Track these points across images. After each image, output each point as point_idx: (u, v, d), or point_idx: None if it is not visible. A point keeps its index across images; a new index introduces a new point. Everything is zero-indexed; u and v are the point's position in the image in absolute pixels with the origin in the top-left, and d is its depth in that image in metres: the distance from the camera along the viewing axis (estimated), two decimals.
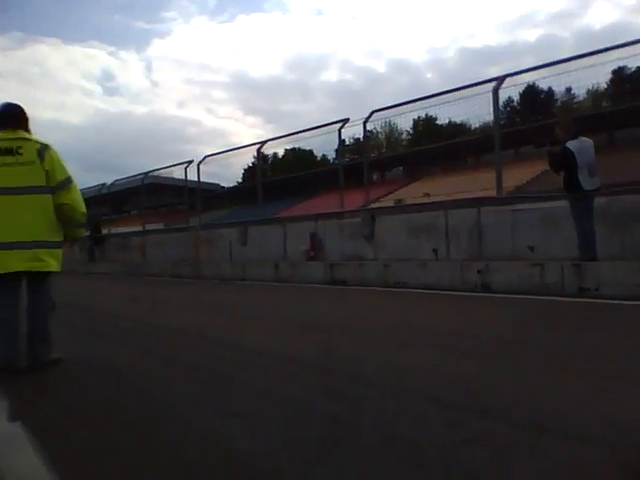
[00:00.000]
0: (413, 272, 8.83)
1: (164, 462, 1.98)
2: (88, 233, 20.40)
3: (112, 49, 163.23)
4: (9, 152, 3.49)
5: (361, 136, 15.24)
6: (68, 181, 3.63)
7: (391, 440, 2.09)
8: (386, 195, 30.63)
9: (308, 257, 12.64)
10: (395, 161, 42.93)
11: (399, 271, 9.07)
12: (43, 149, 3.56)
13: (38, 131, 3.78)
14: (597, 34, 71.38)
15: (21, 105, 3.80)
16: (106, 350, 4.43)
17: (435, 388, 2.81)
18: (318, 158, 46.66)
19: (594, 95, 38.79)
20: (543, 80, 14.37)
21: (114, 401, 2.87)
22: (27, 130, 3.70)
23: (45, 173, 3.52)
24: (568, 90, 35.67)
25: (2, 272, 3.47)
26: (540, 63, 10.89)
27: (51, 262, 3.58)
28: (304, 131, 15.62)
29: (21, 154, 3.50)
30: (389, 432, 2.18)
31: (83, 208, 3.75)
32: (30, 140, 3.58)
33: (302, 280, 10.87)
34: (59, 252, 3.70)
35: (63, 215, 3.66)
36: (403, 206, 14.81)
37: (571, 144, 7.18)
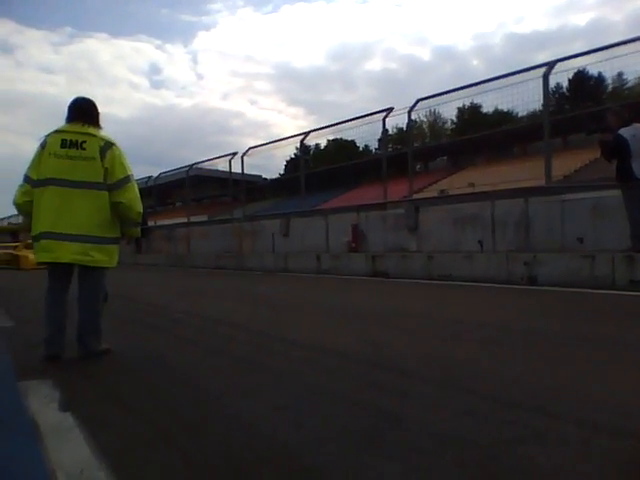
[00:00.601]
0: (458, 264, 8.72)
1: (211, 452, 1.99)
2: None
3: (159, 42, 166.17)
4: (74, 145, 3.56)
5: (404, 126, 15.05)
6: (126, 180, 3.67)
7: (438, 435, 2.05)
8: (430, 185, 30.32)
9: (350, 249, 12.61)
10: (439, 150, 42.42)
11: (443, 263, 8.97)
12: (106, 147, 3.62)
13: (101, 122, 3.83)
14: None
15: (93, 100, 3.86)
16: (154, 341, 4.50)
17: (483, 383, 2.76)
18: (360, 149, 46.36)
19: None
20: (593, 65, 13.90)
21: (162, 391, 2.92)
22: (97, 126, 3.76)
23: (104, 170, 3.58)
24: (619, 75, 34.52)
25: (49, 261, 3.58)
26: (590, 48, 10.55)
27: (100, 257, 3.64)
28: (347, 121, 15.55)
29: (85, 149, 3.57)
30: (436, 427, 2.14)
31: (139, 208, 3.78)
32: (95, 136, 3.63)
33: (344, 272, 10.86)
34: (112, 248, 3.75)
35: (119, 213, 3.72)
36: (447, 197, 14.59)
37: (624, 131, 6.94)
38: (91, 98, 3.86)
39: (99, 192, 3.60)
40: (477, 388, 2.67)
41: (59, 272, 3.68)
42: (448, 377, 2.92)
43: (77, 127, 3.63)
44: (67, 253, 3.53)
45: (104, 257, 3.68)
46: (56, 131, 3.65)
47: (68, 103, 3.77)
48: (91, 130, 3.66)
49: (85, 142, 3.58)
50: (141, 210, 3.81)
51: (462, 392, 2.63)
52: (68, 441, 2.15)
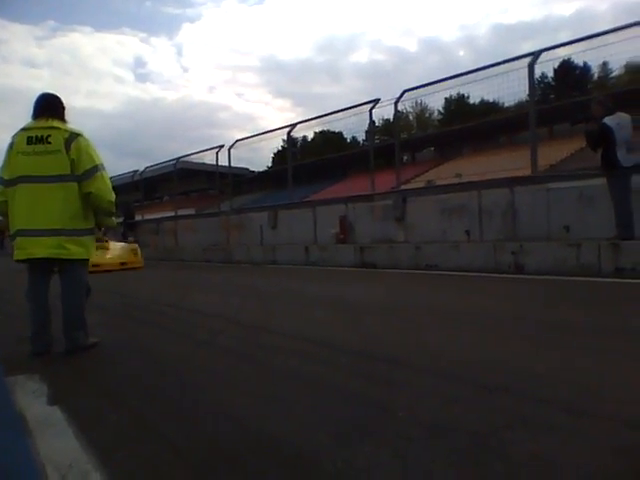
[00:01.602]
0: (445, 254, 8.75)
1: (200, 444, 2.00)
2: (121, 219, 20.72)
3: (143, 35, 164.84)
4: (40, 141, 3.55)
5: (391, 117, 15.05)
6: (94, 170, 3.65)
7: (426, 423, 2.06)
8: (417, 176, 30.37)
9: (338, 240, 12.62)
10: (426, 141, 42.46)
11: (430, 253, 9.00)
12: (71, 138, 3.60)
13: (70, 119, 3.84)
14: (636, 5, 68.94)
15: (57, 95, 3.86)
16: (142, 334, 4.49)
17: (471, 371, 2.78)
18: (348, 140, 46.34)
19: (631, 69, 37.64)
20: (578, 55, 13.95)
21: (150, 384, 2.91)
22: (62, 119, 3.75)
23: (71, 162, 3.57)
24: (604, 65, 34.69)
25: (24, 258, 3.58)
26: (575, 37, 10.59)
27: (76, 250, 3.63)
28: (334, 112, 15.51)
29: (50, 143, 3.55)
30: (424, 415, 2.16)
31: (110, 197, 3.76)
32: (60, 129, 3.62)
33: (332, 263, 10.88)
34: (87, 239, 3.74)
35: (91, 203, 3.71)
36: (434, 187, 14.62)
37: (609, 120, 7.00)
38: (56, 93, 3.87)
39: (68, 184, 3.59)
40: (465, 376, 2.69)
41: (38, 269, 3.67)
42: (437, 366, 2.93)
43: (41, 122, 3.64)
44: (42, 248, 3.53)
45: (80, 249, 3.67)
46: (22, 129, 3.66)
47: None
48: (55, 123, 3.64)
49: (50, 136, 3.57)
50: (113, 199, 3.79)
51: (450, 380, 2.65)
52: (57, 435, 2.14)
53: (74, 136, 3.62)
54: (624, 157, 6.92)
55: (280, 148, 44.75)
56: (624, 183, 7.02)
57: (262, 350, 3.61)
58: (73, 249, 3.62)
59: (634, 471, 1.65)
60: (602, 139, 7.04)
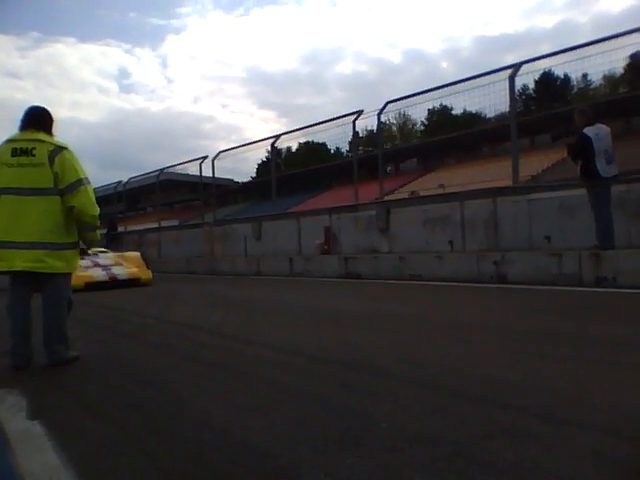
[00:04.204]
0: (428, 264, 8.80)
1: (182, 456, 1.99)
2: (105, 231, 20.56)
3: (128, 46, 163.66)
4: (24, 153, 3.52)
5: (375, 128, 15.14)
6: (78, 183, 3.61)
7: (408, 433, 2.07)
8: (401, 187, 30.56)
9: (322, 251, 12.62)
10: (409, 152, 42.76)
11: (414, 264, 9.04)
12: (56, 151, 3.57)
13: (55, 131, 3.81)
14: (615, 18, 70.24)
15: (45, 108, 3.85)
16: (124, 347, 4.46)
17: (452, 380, 2.80)
18: (332, 151, 46.47)
19: (610, 81, 38.29)
20: (559, 66, 14.17)
21: (132, 397, 2.89)
22: (49, 132, 3.73)
23: (54, 175, 3.54)
24: (584, 76, 35.24)
25: (5, 270, 3.54)
26: (557, 49, 10.76)
27: (55, 264, 3.58)
28: (318, 124, 15.57)
29: (34, 155, 3.53)
30: (406, 425, 2.17)
31: (94, 211, 3.72)
32: (44, 142, 3.59)
33: (317, 274, 10.89)
34: (68, 253, 3.70)
35: (74, 217, 3.68)
36: (418, 198, 14.71)
37: (588, 130, 7.09)
38: (45, 106, 3.85)
39: (51, 197, 3.56)
40: (446, 385, 2.71)
41: (19, 281, 3.63)
42: (418, 376, 2.95)
43: (27, 134, 3.61)
44: (20, 261, 3.48)
45: (60, 263, 3.62)
46: (7, 140, 3.63)
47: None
48: (41, 136, 3.62)
49: (35, 149, 3.54)
50: (96, 213, 3.75)
51: (432, 390, 2.66)
52: (37, 449, 2.12)
53: (59, 149, 3.60)
54: (603, 168, 7.01)
55: (264, 159, 44.73)
56: (603, 194, 7.11)
57: (245, 361, 3.60)
58: (52, 263, 3.57)
59: (614, 478, 1.67)
60: (581, 149, 7.14)
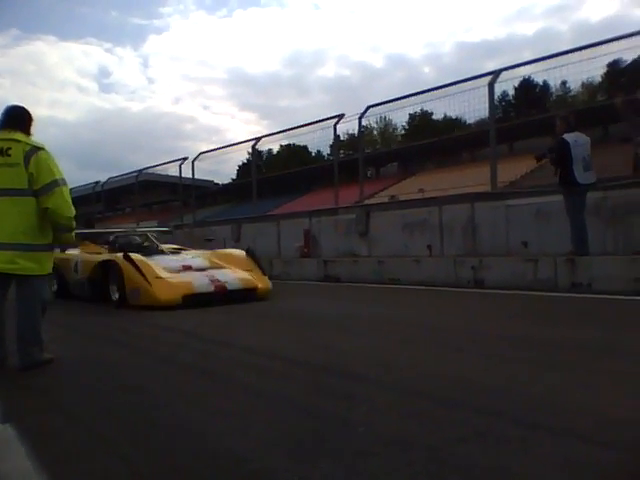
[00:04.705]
0: (407, 268, 8.84)
1: (156, 460, 1.98)
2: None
3: (109, 46, 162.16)
4: (0, 153, 3.47)
5: (356, 132, 15.18)
6: (53, 184, 3.56)
7: (383, 437, 2.08)
8: (381, 191, 30.65)
9: (302, 254, 12.62)
10: (390, 157, 42.92)
11: (393, 267, 9.08)
12: (31, 152, 3.52)
13: (33, 129, 3.76)
14: (595, 27, 71.54)
15: (24, 107, 3.80)
16: (99, 350, 4.41)
17: (427, 385, 2.82)
18: (313, 154, 46.49)
19: (589, 88, 38.85)
20: (539, 74, 14.36)
21: (106, 401, 2.86)
22: (27, 132, 3.68)
23: (29, 176, 3.49)
24: (563, 84, 35.68)
25: None
26: (537, 57, 10.90)
27: (27, 265, 3.53)
28: (299, 127, 15.56)
29: (9, 155, 3.48)
30: (381, 430, 2.18)
31: (69, 213, 3.67)
32: (20, 142, 3.53)
33: (296, 277, 10.88)
34: (42, 255, 3.65)
35: (49, 219, 3.63)
36: (397, 202, 14.78)
37: (567, 136, 7.19)
38: (24, 106, 3.80)
39: (25, 198, 3.51)
40: (422, 390, 2.73)
41: None
42: (395, 380, 2.96)
43: (4, 134, 3.56)
44: None
45: (33, 265, 3.56)
46: None
47: None
48: (17, 136, 3.56)
49: (10, 148, 3.49)
50: (72, 215, 3.70)
51: (408, 394, 2.68)
52: (8, 454, 2.09)
53: (35, 150, 3.55)
54: (581, 175, 7.11)
55: (245, 161, 44.61)
56: (579, 200, 7.22)
57: (222, 365, 3.59)
58: (25, 264, 3.52)
59: None
60: (560, 154, 7.25)
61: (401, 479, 1.73)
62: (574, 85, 33.92)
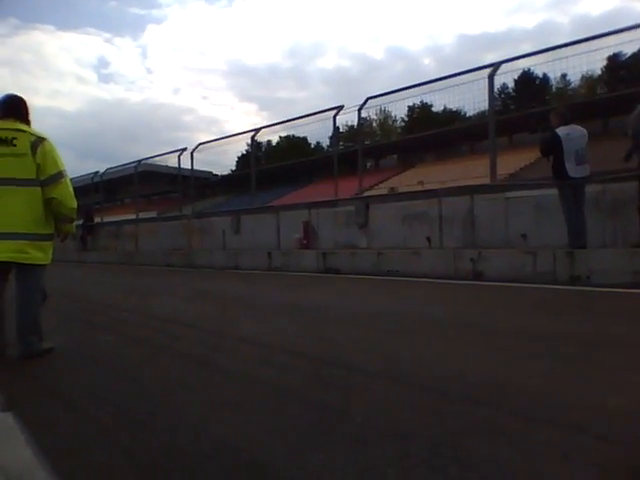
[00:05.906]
0: (406, 260, 8.85)
1: (156, 450, 1.98)
2: (80, 222, 20.32)
3: (108, 36, 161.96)
4: (4, 142, 3.48)
5: (356, 123, 15.16)
6: (59, 175, 3.61)
7: (382, 429, 2.09)
8: (380, 183, 30.65)
9: (301, 246, 12.63)
10: (389, 148, 42.90)
11: (392, 259, 9.09)
12: (37, 142, 3.54)
13: (31, 119, 3.77)
14: (595, 20, 71.43)
15: (22, 97, 3.80)
16: (99, 339, 4.41)
17: (427, 377, 2.82)
18: (312, 145, 46.42)
19: (589, 81, 38.77)
20: (538, 66, 14.33)
21: (106, 390, 2.87)
22: (27, 122, 3.69)
23: (36, 166, 3.52)
24: (563, 76, 35.63)
25: None
26: (537, 49, 10.88)
27: (36, 254, 3.57)
28: (298, 118, 15.55)
29: (15, 145, 3.48)
30: (380, 421, 2.19)
31: (72, 204, 3.72)
32: (26, 132, 3.55)
33: (295, 269, 10.88)
34: (47, 245, 3.69)
35: (52, 209, 3.66)
36: (397, 194, 14.78)
37: (560, 130, 7.20)
38: (21, 95, 3.80)
39: (32, 188, 3.53)
40: (420, 382, 2.73)
41: None
42: (393, 372, 2.97)
43: (8, 124, 3.56)
44: (2, 252, 3.45)
45: (40, 254, 3.61)
46: None
47: None
48: (22, 126, 3.58)
49: (16, 139, 3.50)
50: (74, 206, 3.75)
51: (406, 386, 2.68)
52: (9, 442, 2.10)
53: (40, 140, 3.57)
54: (573, 168, 7.13)
55: (245, 152, 44.56)
56: (573, 193, 7.22)
57: (221, 355, 3.59)
58: (34, 254, 3.56)
59: (583, 475, 1.70)
60: (550, 146, 7.27)
61: (400, 470, 1.74)
62: (574, 78, 33.87)
